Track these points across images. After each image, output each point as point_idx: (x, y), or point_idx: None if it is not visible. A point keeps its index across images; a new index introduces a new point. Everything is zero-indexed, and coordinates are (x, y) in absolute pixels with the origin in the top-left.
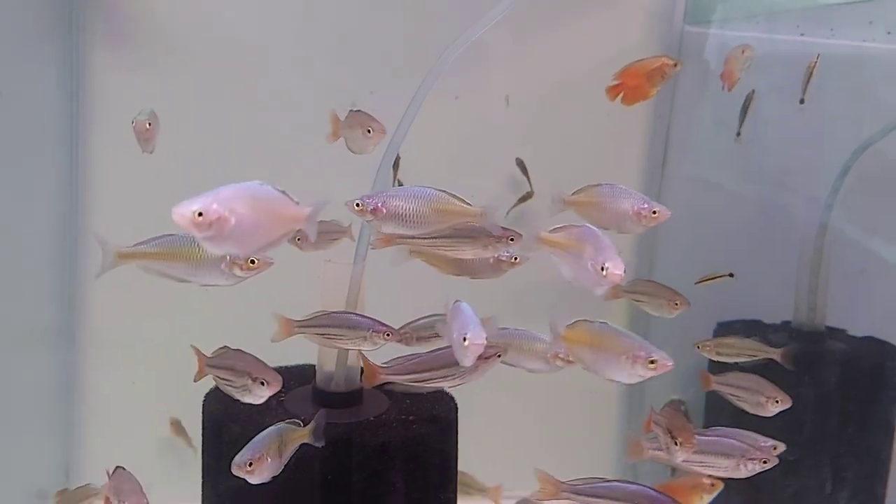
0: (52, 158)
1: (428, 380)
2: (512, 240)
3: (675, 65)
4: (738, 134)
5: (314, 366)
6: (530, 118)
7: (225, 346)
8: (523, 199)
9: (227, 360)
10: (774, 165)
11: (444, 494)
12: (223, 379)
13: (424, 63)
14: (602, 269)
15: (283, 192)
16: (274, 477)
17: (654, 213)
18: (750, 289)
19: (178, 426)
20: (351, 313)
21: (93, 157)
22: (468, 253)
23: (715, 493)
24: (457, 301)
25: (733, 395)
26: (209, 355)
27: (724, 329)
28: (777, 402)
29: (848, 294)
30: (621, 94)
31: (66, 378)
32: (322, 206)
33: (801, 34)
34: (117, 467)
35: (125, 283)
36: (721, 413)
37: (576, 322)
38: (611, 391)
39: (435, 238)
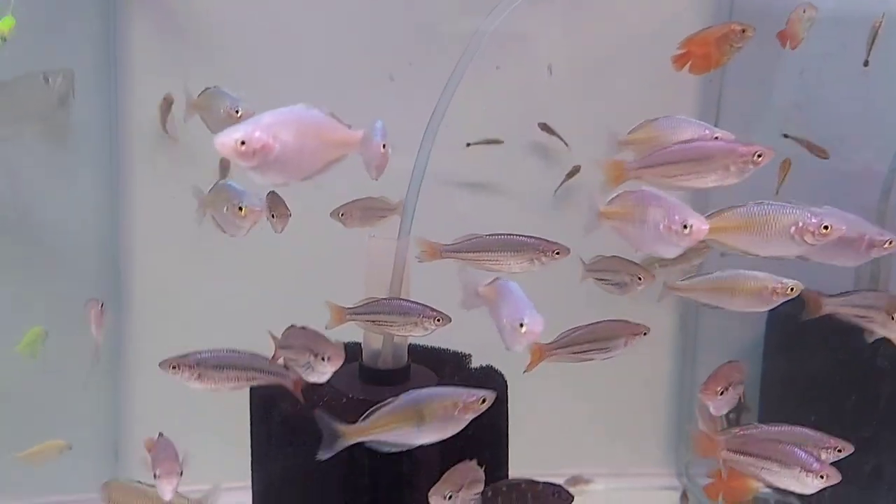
0: (92, 134)
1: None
2: (558, 253)
3: (744, 31)
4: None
5: (359, 343)
6: (574, 88)
7: (292, 325)
8: (570, 174)
9: (290, 339)
10: (834, 131)
11: (497, 472)
12: (291, 359)
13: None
14: (684, 227)
15: (332, 115)
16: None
17: (716, 138)
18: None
19: None
20: (401, 300)
21: (130, 134)
22: (514, 267)
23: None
24: (499, 279)
25: (860, 317)
26: (279, 339)
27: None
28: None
29: None
30: (689, 63)
31: (116, 345)
32: (378, 131)
33: None
34: (160, 434)
35: (171, 254)
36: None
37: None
38: (662, 373)
39: (480, 252)
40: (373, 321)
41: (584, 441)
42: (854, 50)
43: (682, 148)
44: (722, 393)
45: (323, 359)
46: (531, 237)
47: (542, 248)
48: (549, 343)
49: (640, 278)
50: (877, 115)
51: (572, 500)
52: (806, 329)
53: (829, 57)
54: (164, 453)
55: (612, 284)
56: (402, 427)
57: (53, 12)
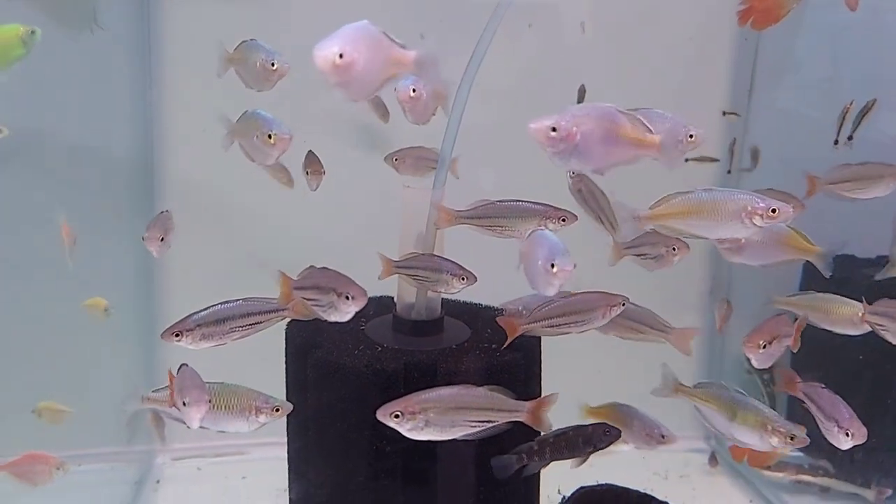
0: (127, 97)
1: (562, 325)
2: (564, 219)
3: None
4: (837, 142)
5: (392, 297)
6: (607, 46)
7: (311, 266)
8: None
9: (312, 279)
10: (874, 91)
11: None
12: (310, 299)
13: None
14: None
15: (385, 34)
16: (356, 402)
17: (692, 137)
18: (843, 224)
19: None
20: (436, 257)
21: (166, 90)
22: (524, 232)
23: (792, 448)
24: (537, 229)
25: (879, 325)
26: (295, 278)
27: (812, 266)
28: None
29: None
30: (752, 19)
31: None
32: (431, 56)
33: None
34: (182, 365)
35: (203, 219)
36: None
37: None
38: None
39: (492, 217)
40: (413, 275)
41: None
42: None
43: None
44: (765, 346)
45: (347, 298)
46: (540, 203)
47: (549, 215)
48: (524, 317)
49: (674, 249)
50: None
51: (620, 435)
52: (838, 292)
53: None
54: (190, 381)
55: (650, 259)
56: None
57: None
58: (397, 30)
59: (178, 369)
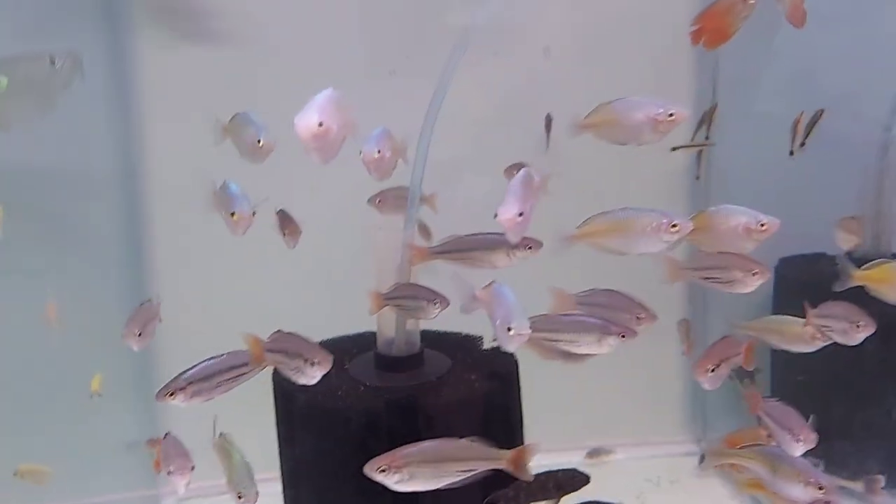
0: (108, 146)
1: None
2: (530, 248)
3: (746, 0)
4: (792, 152)
5: (373, 333)
6: (572, 67)
7: (278, 330)
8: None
9: (280, 344)
10: (829, 91)
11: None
12: (279, 362)
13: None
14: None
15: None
16: (343, 442)
17: (671, 115)
18: (812, 221)
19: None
20: (417, 285)
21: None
22: (495, 263)
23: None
24: (494, 283)
25: (825, 326)
26: (266, 340)
27: (786, 264)
28: (859, 326)
29: None
30: (703, 38)
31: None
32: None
33: None
34: (166, 433)
35: (192, 263)
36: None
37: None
38: (676, 343)
39: (463, 251)
40: (399, 305)
41: (604, 412)
42: (846, 14)
43: None
44: (713, 370)
45: (312, 363)
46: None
47: (515, 244)
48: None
49: (755, 273)
50: (871, 75)
51: (589, 480)
52: (813, 293)
53: (824, 18)
54: (174, 450)
55: (721, 283)
56: None
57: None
58: (368, 66)
59: (164, 437)
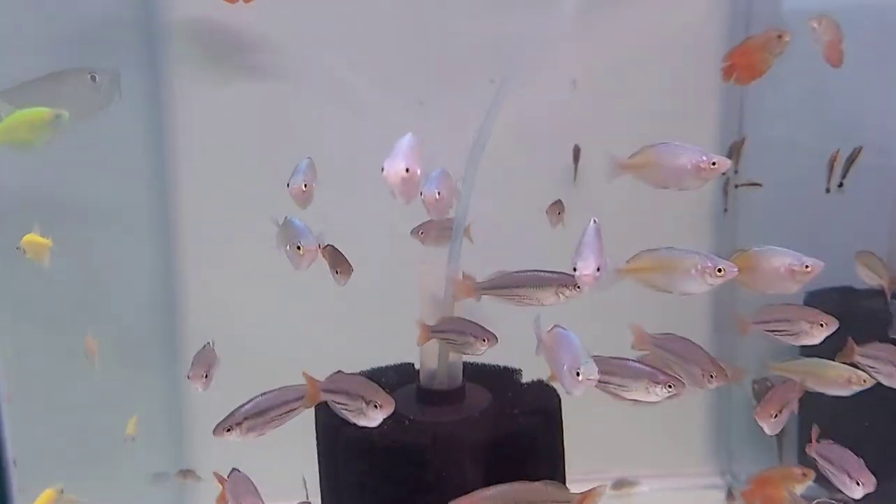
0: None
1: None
2: (578, 287)
3: (780, 36)
4: (829, 189)
5: (411, 364)
6: (599, 100)
7: (339, 371)
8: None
9: (341, 384)
10: (860, 124)
11: None
12: (339, 403)
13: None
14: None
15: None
16: (388, 477)
17: (714, 164)
18: (838, 254)
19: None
20: (466, 320)
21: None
22: (543, 300)
23: (806, 483)
24: (557, 327)
25: (870, 367)
26: (323, 381)
27: (814, 298)
28: None
29: None
30: (735, 75)
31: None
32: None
33: None
34: (233, 469)
35: (224, 289)
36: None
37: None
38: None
39: (510, 288)
40: (445, 339)
41: (629, 443)
42: (863, 40)
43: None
44: (776, 416)
45: (375, 406)
46: (555, 272)
47: (565, 282)
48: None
49: (822, 325)
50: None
51: None
52: (840, 328)
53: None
54: (243, 487)
55: (788, 335)
56: None
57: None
58: (398, 98)
59: (230, 474)
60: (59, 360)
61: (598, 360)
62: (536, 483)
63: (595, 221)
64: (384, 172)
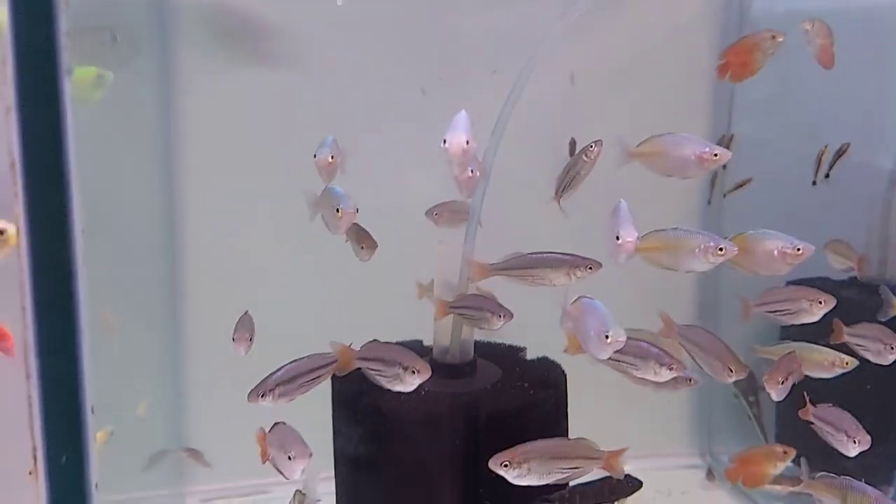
0: (150, 158)
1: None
2: (590, 268)
3: (774, 37)
4: (815, 182)
5: (420, 341)
6: (595, 95)
7: (374, 339)
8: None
9: (377, 352)
10: (843, 123)
11: None
12: (374, 370)
13: None
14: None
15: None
16: (406, 444)
17: (716, 155)
18: (818, 245)
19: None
20: (483, 297)
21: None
22: (555, 281)
23: (787, 462)
24: (583, 297)
25: (859, 346)
26: (358, 349)
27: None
28: (893, 347)
29: None
30: (729, 72)
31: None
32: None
33: None
34: (276, 423)
35: (230, 273)
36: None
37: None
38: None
39: (523, 268)
40: (463, 314)
41: (611, 424)
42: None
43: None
44: (782, 382)
45: (413, 371)
46: (568, 254)
47: (577, 264)
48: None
49: (821, 302)
50: (884, 107)
51: (641, 486)
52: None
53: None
54: (290, 436)
55: (789, 314)
56: None
57: None
58: (401, 86)
59: (273, 427)
60: None
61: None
62: (570, 439)
63: (623, 201)
64: (446, 144)
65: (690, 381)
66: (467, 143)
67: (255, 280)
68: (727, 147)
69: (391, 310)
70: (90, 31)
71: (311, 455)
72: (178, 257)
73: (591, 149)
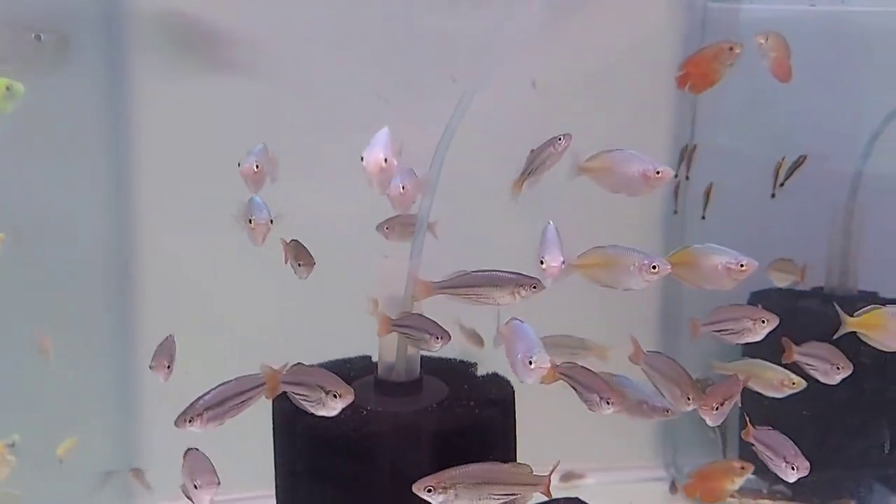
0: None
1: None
2: (535, 287)
3: (732, 48)
4: (774, 195)
5: (369, 357)
6: (557, 102)
7: (298, 363)
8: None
9: (301, 376)
10: (804, 132)
11: None
12: (298, 394)
13: None
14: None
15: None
16: (346, 466)
17: (658, 173)
18: (784, 255)
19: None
20: (424, 317)
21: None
22: (499, 300)
23: (745, 477)
24: (514, 319)
25: (808, 365)
26: (284, 373)
27: (757, 298)
28: (839, 368)
29: (880, 257)
30: (689, 83)
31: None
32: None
33: (812, 5)
34: (189, 449)
35: (182, 288)
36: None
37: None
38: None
39: (468, 287)
40: (405, 334)
41: (576, 436)
42: (815, 58)
43: None
44: (717, 408)
45: (335, 396)
46: (512, 273)
47: (521, 283)
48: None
49: (764, 321)
50: (844, 118)
51: None
52: (782, 326)
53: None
54: (199, 465)
55: (733, 333)
56: None
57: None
58: (364, 95)
59: (186, 453)
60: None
61: (568, 364)
62: (504, 465)
63: (551, 223)
64: (364, 161)
65: (667, 412)
66: (385, 160)
67: (208, 295)
68: (690, 157)
69: (345, 323)
70: (11, 30)
71: (218, 484)
72: (128, 272)
73: (559, 141)
